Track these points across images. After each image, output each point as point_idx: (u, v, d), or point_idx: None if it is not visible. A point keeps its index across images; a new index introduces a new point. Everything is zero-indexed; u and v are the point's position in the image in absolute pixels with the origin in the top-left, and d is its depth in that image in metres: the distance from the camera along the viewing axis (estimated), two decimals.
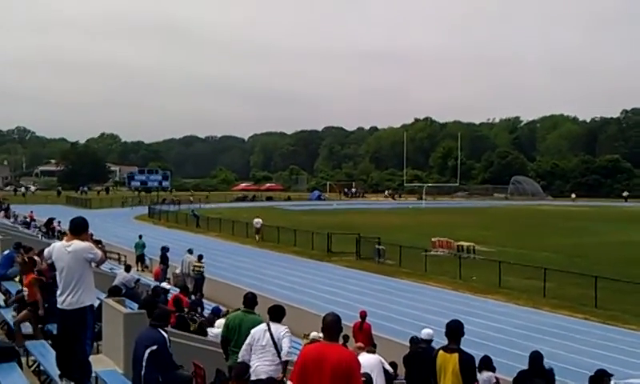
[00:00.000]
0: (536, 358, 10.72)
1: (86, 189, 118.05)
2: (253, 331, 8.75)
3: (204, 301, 24.17)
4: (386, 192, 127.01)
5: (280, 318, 8.84)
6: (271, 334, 8.61)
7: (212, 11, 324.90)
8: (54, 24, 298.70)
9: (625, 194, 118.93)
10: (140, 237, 40.14)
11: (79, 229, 8.68)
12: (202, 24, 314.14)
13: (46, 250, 9.14)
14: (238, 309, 10.97)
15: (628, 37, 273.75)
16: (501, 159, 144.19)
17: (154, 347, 8.34)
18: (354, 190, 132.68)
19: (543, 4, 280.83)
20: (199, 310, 20.08)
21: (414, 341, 13.71)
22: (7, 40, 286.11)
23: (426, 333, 12.72)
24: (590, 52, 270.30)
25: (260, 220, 55.94)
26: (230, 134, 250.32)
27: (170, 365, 8.59)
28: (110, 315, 10.36)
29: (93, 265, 8.80)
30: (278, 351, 8.63)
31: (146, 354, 8.29)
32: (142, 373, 8.31)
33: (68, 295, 8.36)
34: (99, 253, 8.84)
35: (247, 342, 8.72)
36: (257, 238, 54.21)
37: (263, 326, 8.79)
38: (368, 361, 11.42)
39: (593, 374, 11.55)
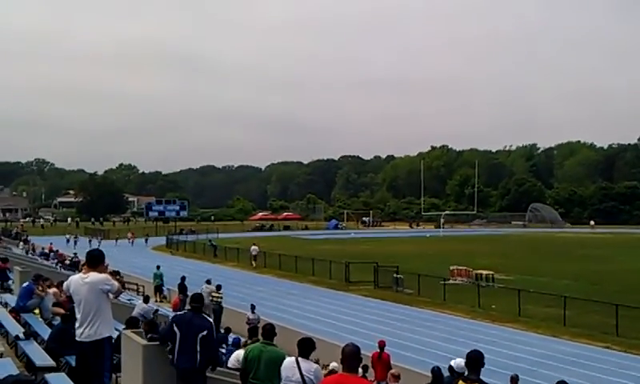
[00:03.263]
0: None
1: (100, 220, 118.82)
2: (282, 368, 8.27)
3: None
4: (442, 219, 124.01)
5: (309, 353, 8.31)
6: (301, 373, 8.07)
7: (228, 41, 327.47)
8: (73, 55, 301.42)
9: None
10: (158, 267, 40.24)
11: (95, 261, 8.72)
12: (218, 54, 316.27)
13: (65, 283, 9.18)
14: (257, 340, 10.88)
15: None
16: (518, 187, 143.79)
17: (204, 333, 8.91)
18: (366, 218, 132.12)
19: (559, 31, 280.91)
20: (224, 346, 19.83)
21: (436, 371, 13.57)
22: (26, 71, 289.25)
23: (458, 364, 12.25)
24: (606, 78, 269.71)
25: (257, 247, 57.83)
26: (247, 163, 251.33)
27: (216, 346, 9.74)
28: (129, 347, 10.33)
29: (110, 296, 8.81)
30: None
31: (198, 340, 8.85)
32: (198, 356, 8.85)
33: (86, 327, 8.37)
34: (116, 284, 8.87)
35: (283, 379, 8.36)
36: (253, 264, 55.53)
37: (292, 362, 8.24)
38: None
39: None
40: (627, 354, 25.48)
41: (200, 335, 8.94)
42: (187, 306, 10.05)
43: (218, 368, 13.76)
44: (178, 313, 10.27)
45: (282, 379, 8.15)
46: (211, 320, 9.66)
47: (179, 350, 8.98)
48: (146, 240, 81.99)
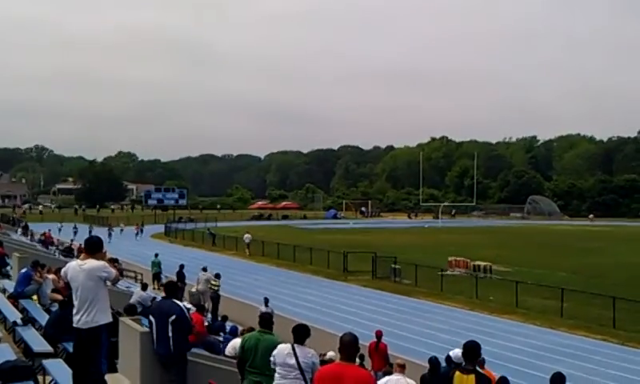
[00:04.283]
0: (557, 379, 10.51)
1: (83, 207, 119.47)
2: (276, 354, 8.15)
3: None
4: (452, 212, 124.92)
5: (304, 339, 8.25)
6: (297, 360, 8.00)
7: (229, 30, 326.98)
8: (73, 42, 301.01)
9: None
10: (156, 255, 40.21)
11: (94, 248, 8.68)
12: (219, 43, 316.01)
13: (62, 269, 9.16)
14: (252, 328, 10.90)
15: None
16: (517, 179, 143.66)
17: (173, 317, 9.32)
18: (364, 209, 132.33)
19: (560, 27, 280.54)
20: (221, 334, 19.84)
21: (433, 361, 13.57)
22: (27, 58, 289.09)
23: (456, 354, 12.24)
24: (606, 72, 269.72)
25: (250, 235, 58.18)
26: (247, 152, 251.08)
27: (190, 329, 9.90)
28: (127, 334, 10.34)
29: (107, 283, 8.79)
30: (305, 380, 7.95)
31: (170, 325, 9.29)
32: (171, 343, 9.27)
33: (83, 314, 8.34)
34: (113, 271, 8.82)
35: (277, 365, 8.31)
36: (247, 252, 55.89)
37: (287, 348, 8.14)
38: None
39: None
40: (624, 347, 25.51)
41: (170, 319, 9.31)
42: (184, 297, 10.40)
43: (216, 356, 13.81)
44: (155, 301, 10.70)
45: (277, 365, 8.12)
46: (181, 304, 9.93)
47: (156, 337, 9.41)
48: (141, 230, 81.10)
